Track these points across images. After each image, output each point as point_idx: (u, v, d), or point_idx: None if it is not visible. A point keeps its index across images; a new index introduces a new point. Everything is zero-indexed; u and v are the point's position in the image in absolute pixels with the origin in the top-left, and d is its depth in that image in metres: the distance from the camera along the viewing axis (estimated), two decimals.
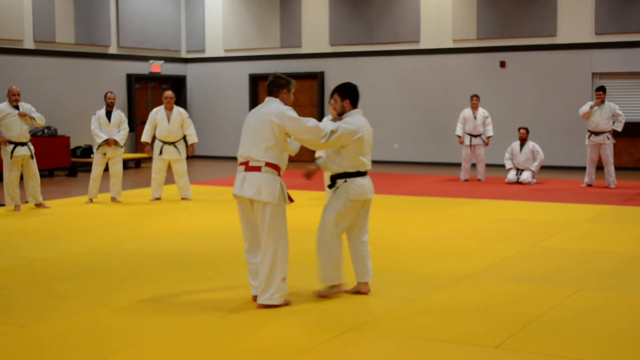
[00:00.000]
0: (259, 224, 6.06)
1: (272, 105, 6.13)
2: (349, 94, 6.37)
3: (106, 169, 12.63)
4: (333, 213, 6.30)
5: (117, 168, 12.55)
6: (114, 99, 12.55)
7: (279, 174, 6.09)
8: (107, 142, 12.43)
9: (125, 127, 12.63)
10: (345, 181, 6.31)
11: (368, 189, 6.39)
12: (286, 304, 6.11)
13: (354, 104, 6.40)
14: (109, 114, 12.53)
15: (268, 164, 6.02)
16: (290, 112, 6.06)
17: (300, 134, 6.07)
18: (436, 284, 6.87)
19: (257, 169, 6.01)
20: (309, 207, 11.63)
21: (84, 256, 8.25)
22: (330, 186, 6.46)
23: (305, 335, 5.41)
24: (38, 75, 17.97)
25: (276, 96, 6.20)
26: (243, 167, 6.10)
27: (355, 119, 6.30)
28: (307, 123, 6.07)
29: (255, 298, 6.22)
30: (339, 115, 6.43)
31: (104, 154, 12.51)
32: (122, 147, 12.63)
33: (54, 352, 5.14)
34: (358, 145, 6.27)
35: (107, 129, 12.47)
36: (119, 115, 12.64)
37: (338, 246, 6.33)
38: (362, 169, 6.38)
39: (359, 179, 6.34)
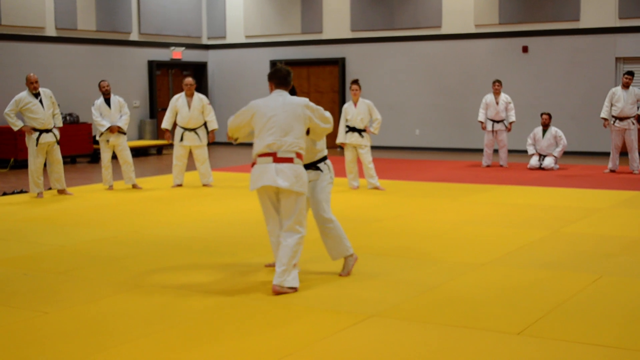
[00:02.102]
0: (287, 211, 6.15)
1: (293, 97, 6.26)
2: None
3: (115, 157, 12.61)
4: (327, 194, 6.60)
5: (125, 155, 12.58)
6: (107, 86, 12.60)
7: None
8: (111, 130, 12.47)
9: (125, 111, 12.66)
10: (326, 163, 6.65)
11: None
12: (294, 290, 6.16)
13: None
14: (107, 102, 12.59)
15: (299, 155, 6.15)
16: (313, 104, 6.30)
17: (324, 123, 6.32)
18: (458, 270, 6.84)
19: (290, 160, 6.08)
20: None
21: (106, 243, 8.30)
22: (318, 169, 6.60)
23: (328, 321, 5.41)
24: (60, 62, 18.05)
25: (287, 87, 6.29)
26: (270, 157, 6.07)
27: None
28: (326, 113, 6.37)
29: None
30: None
31: (107, 141, 12.55)
32: (125, 133, 12.64)
33: (78, 338, 5.16)
34: None
35: (109, 116, 12.52)
36: (118, 101, 12.67)
37: (337, 220, 6.64)
38: None
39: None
